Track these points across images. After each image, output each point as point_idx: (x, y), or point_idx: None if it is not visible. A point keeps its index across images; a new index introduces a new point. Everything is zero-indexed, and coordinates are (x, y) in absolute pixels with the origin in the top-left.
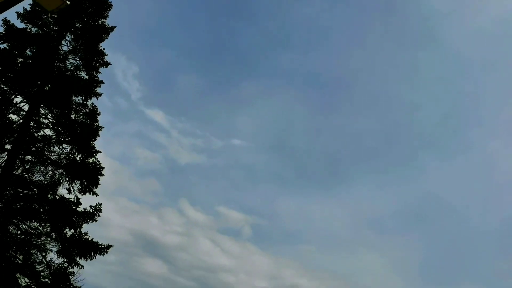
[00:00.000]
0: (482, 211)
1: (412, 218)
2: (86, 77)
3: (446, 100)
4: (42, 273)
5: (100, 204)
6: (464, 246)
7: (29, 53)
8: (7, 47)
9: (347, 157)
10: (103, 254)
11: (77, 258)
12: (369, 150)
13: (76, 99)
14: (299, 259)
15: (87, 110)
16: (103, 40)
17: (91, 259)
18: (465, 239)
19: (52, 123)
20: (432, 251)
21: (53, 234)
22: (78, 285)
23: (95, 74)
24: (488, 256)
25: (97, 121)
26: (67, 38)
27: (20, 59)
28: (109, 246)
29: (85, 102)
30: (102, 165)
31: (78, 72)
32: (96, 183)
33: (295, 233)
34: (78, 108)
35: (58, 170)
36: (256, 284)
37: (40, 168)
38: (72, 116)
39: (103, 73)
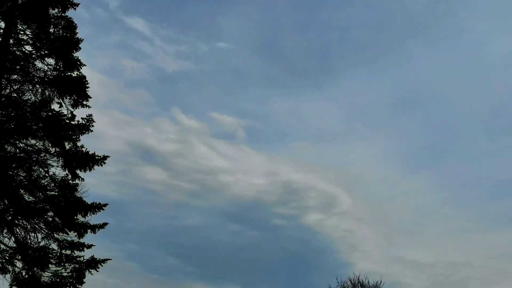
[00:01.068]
0: (471, 94)
1: (401, 106)
2: None
3: None
4: (48, 187)
5: (90, 115)
6: (453, 130)
7: None
8: None
9: (336, 51)
10: (101, 165)
11: (77, 171)
12: (357, 42)
13: (53, 11)
14: (294, 155)
15: (65, 23)
16: None
17: (90, 171)
18: (454, 122)
19: (31, 38)
20: (422, 137)
21: (51, 149)
22: (84, 196)
23: None
24: (476, 137)
25: (76, 33)
26: None
27: None
28: (105, 157)
29: (62, 15)
30: (88, 78)
31: None
32: (86, 96)
33: (289, 132)
34: (56, 21)
35: (47, 87)
36: (253, 182)
37: (28, 87)
38: (51, 30)
39: None
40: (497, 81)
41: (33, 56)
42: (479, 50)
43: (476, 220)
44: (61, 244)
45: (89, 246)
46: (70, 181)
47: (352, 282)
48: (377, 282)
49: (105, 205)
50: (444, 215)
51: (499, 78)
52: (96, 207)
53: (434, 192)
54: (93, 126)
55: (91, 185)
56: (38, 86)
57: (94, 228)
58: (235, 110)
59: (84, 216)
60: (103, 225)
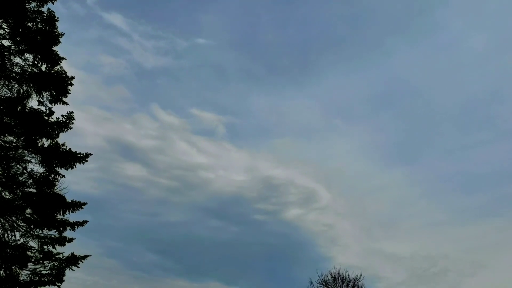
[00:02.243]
0: (446, 90)
1: (379, 103)
2: None
3: None
4: (26, 184)
5: (71, 112)
6: (429, 125)
7: None
8: None
9: (316, 47)
10: (83, 163)
11: (57, 168)
12: (337, 39)
13: (31, 5)
14: (274, 152)
15: (44, 17)
16: None
17: (72, 168)
18: (430, 119)
19: (9, 33)
20: (399, 133)
21: (29, 146)
22: (63, 193)
23: None
24: (451, 132)
25: (56, 27)
26: None
27: None
28: (88, 155)
29: (40, 9)
30: (69, 73)
31: None
32: (65, 92)
33: (269, 128)
34: (33, 15)
35: (25, 83)
36: (234, 178)
37: (5, 83)
38: (29, 24)
39: None
40: (471, 77)
41: (12, 51)
42: (455, 47)
43: (452, 213)
44: (42, 240)
45: (70, 240)
46: (50, 177)
47: (333, 275)
48: (357, 276)
49: (84, 204)
50: (421, 208)
51: (473, 74)
52: (75, 206)
53: (411, 186)
54: (73, 123)
55: (70, 182)
56: (14, 81)
57: (74, 225)
58: (215, 106)
59: (63, 214)
60: (82, 223)
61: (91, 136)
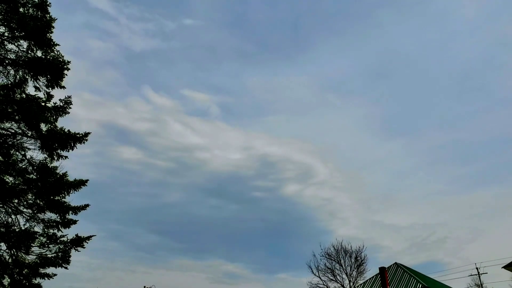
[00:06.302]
0: (441, 60)
1: (373, 76)
2: None
3: None
4: (26, 170)
5: (69, 97)
6: (424, 96)
7: None
8: None
9: (307, 23)
10: (83, 142)
11: (58, 151)
12: (327, 13)
13: None
14: (269, 129)
15: (36, 2)
16: None
17: (72, 150)
18: (425, 89)
19: (1, 19)
20: (394, 105)
21: (28, 132)
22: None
23: None
24: (447, 102)
25: (49, 13)
26: None
27: None
28: (87, 134)
29: None
30: (65, 58)
31: None
32: (61, 77)
33: (263, 106)
34: (25, 1)
35: (20, 69)
36: (230, 157)
37: None
38: (21, 10)
39: None
40: (464, 46)
41: (5, 37)
42: (446, 16)
43: (449, 182)
44: (46, 223)
45: (75, 222)
46: (48, 164)
47: (335, 248)
48: (359, 247)
49: (87, 180)
50: (419, 179)
51: (466, 43)
52: (78, 184)
53: (408, 158)
54: (70, 108)
55: (68, 168)
56: (10, 67)
57: (76, 209)
58: (208, 86)
59: (68, 193)
60: (84, 207)
61: (85, 122)
